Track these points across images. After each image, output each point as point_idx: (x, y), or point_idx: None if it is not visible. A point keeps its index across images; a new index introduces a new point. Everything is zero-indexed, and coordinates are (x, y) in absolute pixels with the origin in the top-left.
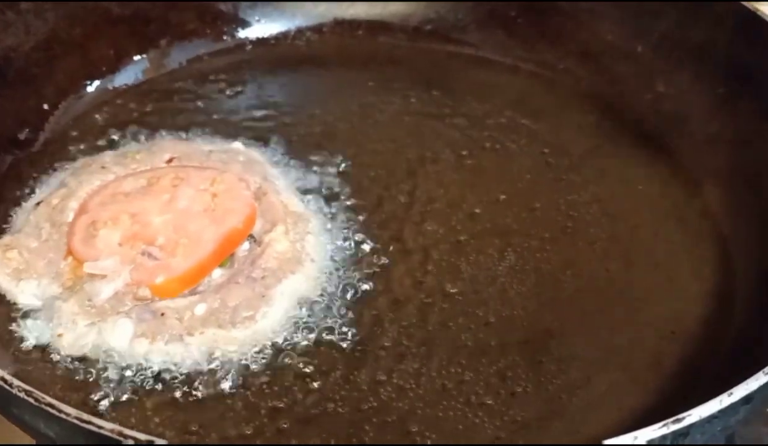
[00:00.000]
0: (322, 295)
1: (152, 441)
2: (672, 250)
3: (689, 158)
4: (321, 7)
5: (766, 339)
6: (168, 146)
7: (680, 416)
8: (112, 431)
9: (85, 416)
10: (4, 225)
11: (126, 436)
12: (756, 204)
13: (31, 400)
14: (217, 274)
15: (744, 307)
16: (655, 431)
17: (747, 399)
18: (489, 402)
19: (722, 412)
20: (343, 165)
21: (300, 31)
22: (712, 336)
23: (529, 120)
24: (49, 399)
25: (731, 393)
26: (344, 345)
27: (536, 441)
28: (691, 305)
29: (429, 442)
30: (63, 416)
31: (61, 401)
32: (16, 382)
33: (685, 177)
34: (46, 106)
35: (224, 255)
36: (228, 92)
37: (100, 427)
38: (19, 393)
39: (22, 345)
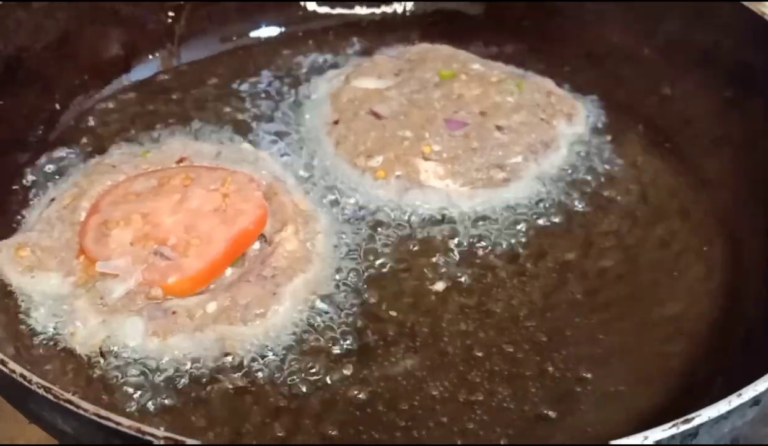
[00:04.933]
0: (331, 293)
1: (171, 438)
2: (680, 250)
3: (696, 159)
4: (324, 9)
5: None
6: (179, 146)
7: (689, 416)
8: (129, 427)
9: (103, 412)
10: (16, 224)
11: (143, 432)
12: (762, 203)
13: (50, 397)
14: (228, 273)
15: (753, 307)
16: (664, 431)
17: (756, 401)
18: (496, 400)
19: (731, 413)
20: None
21: (306, 32)
22: (721, 337)
23: None
24: (67, 396)
25: (740, 394)
26: (352, 343)
27: (544, 441)
28: (699, 305)
29: (434, 441)
30: (81, 412)
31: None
32: (35, 379)
33: (693, 177)
34: (57, 106)
35: (236, 255)
36: (239, 92)
37: (118, 424)
38: (38, 390)
39: (35, 342)
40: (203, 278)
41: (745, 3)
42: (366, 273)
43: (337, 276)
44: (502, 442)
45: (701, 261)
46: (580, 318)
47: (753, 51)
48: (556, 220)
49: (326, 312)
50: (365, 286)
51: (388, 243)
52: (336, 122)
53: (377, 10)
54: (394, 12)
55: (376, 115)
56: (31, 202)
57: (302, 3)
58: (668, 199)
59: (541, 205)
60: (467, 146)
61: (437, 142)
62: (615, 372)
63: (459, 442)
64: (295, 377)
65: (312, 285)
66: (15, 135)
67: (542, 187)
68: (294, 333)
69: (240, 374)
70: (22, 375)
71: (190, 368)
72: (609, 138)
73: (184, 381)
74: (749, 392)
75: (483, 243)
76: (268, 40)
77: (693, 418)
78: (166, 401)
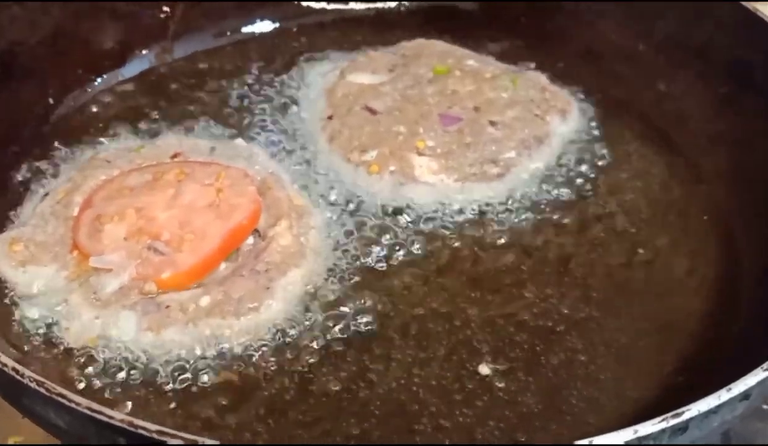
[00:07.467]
0: (324, 288)
1: (163, 431)
2: (674, 246)
3: (691, 156)
4: (319, 5)
5: (767, 335)
6: (173, 141)
7: (679, 411)
8: (122, 421)
9: (96, 406)
10: (10, 219)
11: (135, 426)
12: (757, 201)
13: (43, 390)
14: (222, 267)
15: (746, 304)
16: (654, 425)
17: (745, 395)
18: (490, 394)
19: (720, 408)
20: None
21: (301, 28)
22: (714, 332)
23: None
24: (60, 390)
25: (730, 389)
26: (347, 337)
27: (538, 434)
28: (693, 301)
29: (428, 434)
30: (74, 406)
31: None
32: (27, 373)
33: (688, 174)
34: (51, 101)
35: (230, 250)
36: (232, 87)
37: (110, 417)
38: (30, 384)
39: (28, 337)
40: (197, 273)
41: (741, 2)
42: (359, 268)
43: (331, 271)
44: (495, 436)
45: (696, 258)
46: (574, 314)
47: (748, 48)
48: (550, 215)
49: (319, 307)
50: (359, 281)
51: (381, 238)
52: (330, 117)
53: (372, 6)
54: (389, 8)
55: (371, 111)
56: (24, 197)
57: (293, 2)
58: (663, 196)
59: (535, 200)
60: (461, 141)
61: (431, 137)
62: (607, 366)
63: (451, 435)
64: (288, 371)
65: (305, 280)
66: (9, 129)
67: (536, 183)
68: (287, 328)
69: (233, 368)
70: (14, 369)
71: (184, 362)
72: (603, 134)
73: (177, 375)
74: (739, 386)
75: (477, 238)
76: (263, 36)
77: (682, 412)
78: (159, 394)
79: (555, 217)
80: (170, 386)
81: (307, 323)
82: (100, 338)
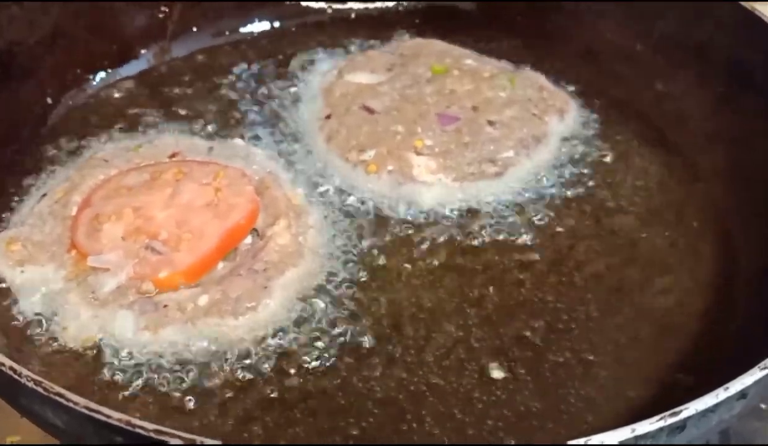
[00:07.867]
0: (322, 288)
1: (160, 430)
2: (672, 245)
3: (689, 155)
4: (318, 4)
5: (765, 335)
6: (171, 141)
7: (676, 409)
8: (120, 420)
9: (93, 405)
10: (7, 219)
11: (133, 425)
12: (755, 200)
13: (41, 390)
14: (219, 266)
15: (744, 302)
16: (651, 424)
17: (743, 394)
18: (488, 393)
19: (718, 407)
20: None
21: (299, 27)
22: (712, 331)
23: None
24: (57, 389)
25: (727, 388)
26: (343, 337)
27: (536, 434)
28: (690, 300)
29: (426, 433)
30: (72, 405)
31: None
32: (25, 372)
33: (686, 173)
34: (49, 100)
35: (227, 250)
36: (230, 87)
37: (108, 417)
38: (28, 383)
39: (26, 336)
40: (194, 273)
41: (740, 2)
42: (357, 268)
43: (328, 271)
44: (493, 435)
45: (693, 257)
46: (573, 313)
47: (747, 48)
48: (548, 214)
49: (317, 307)
50: (356, 281)
51: (379, 238)
52: (328, 117)
53: (371, 6)
54: (388, 7)
55: (369, 110)
56: (22, 197)
57: (293, 2)
58: (661, 195)
59: (533, 199)
60: (459, 141)
61: (429, 136)
62: (605, 365)
63: (450, 435)
64: (286, 370)
65: (303, 280)
66: (7, 129)
67: (534, 182)
68: (284, 327)
69: (230, 367)
70: (12, 368)
71: (181, 361)
72: (601, 134)
73: (174, 374)
74: (736, 385)
75: (475, 237)
76: (261, 35)
77: (680, 411)
78: (157, 394)
79: (553, 216)
80: (168, 385)
81: (305, 322)
82: (97, 337)
